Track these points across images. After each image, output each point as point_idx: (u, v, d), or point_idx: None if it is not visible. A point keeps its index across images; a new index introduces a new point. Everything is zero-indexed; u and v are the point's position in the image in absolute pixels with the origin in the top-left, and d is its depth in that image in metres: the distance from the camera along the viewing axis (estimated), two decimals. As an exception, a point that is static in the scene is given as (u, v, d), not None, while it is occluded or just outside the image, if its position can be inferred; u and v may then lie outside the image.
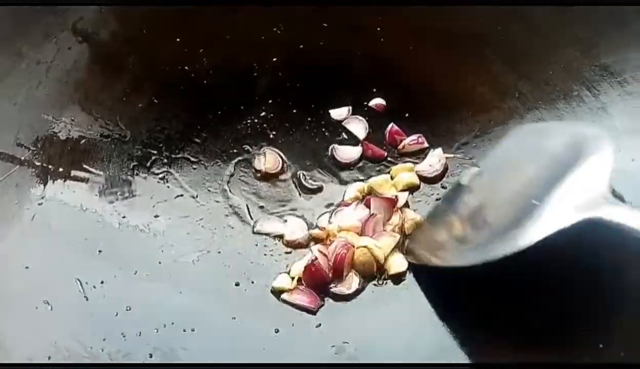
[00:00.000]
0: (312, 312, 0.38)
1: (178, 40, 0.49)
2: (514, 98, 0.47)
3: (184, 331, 0.37)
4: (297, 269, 0.40)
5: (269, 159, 0.46)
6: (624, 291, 0.32)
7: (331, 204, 0.44)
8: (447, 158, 0.45)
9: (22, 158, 0.42)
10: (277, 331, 0.38)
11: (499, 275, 0.31)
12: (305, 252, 0.41)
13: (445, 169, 0.44)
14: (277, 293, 0.39)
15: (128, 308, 0.38)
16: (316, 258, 0.40)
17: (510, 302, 0.34)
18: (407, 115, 0.47)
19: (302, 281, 0.40)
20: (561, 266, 0.32)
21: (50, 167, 0.43)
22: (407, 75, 0.49)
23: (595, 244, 0.30)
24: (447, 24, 0.50)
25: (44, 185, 0.42)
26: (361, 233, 0.41)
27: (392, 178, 0.44)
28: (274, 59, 0.50)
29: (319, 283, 0.39)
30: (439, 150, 0.45)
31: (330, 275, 0.39)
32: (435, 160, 0.45)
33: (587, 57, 0.47)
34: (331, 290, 0.39)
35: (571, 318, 0.32)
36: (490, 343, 0.34)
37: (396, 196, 0.43)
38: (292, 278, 0.40)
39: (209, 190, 0.45)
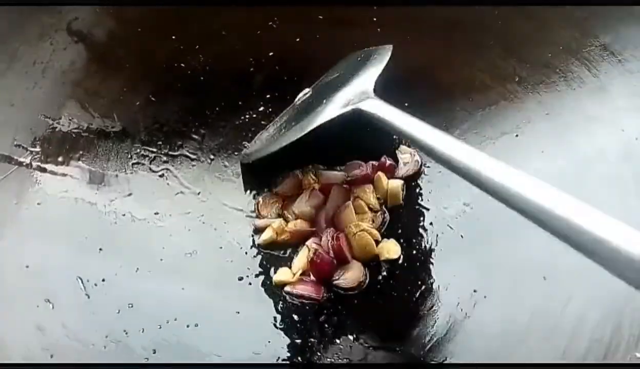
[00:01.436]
0: (317, 301, 0.38)
1: (174, 37, 0.49)
2: (514, 82, 0.47)
3: (187, 326, 0.37)
4: (299, 264, 0.40)
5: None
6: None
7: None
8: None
9: (20, 159, 0.42)
10: (281, 324, 0.38)
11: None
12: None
13: (420, 162, 0.44)
14: (280, 286, 0.39)
15: (130, 305, 0.37)
16: (316, 250, 0.39)
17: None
18: (406, 104, 0.47)
19: (307, 274, 0.39)
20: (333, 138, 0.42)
21: (48, 166, 0.42)
22: (405, 65, 0.49)
23: (358, 123, 0.39)
24: (443, 11, 0.50)
25: (43, 185, 0.41)
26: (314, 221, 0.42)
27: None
28: (271, 54, 0.50)
29: (327, 271, 0.39)
30: (404, 147, 0.45)
31: (335, 262, 0.39)
32: (407, 156, 0.45)
33: (587, 37, 0.47)
34: (335, 282, 0.39)
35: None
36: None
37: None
38: (294, 274, 0.39)
39: (208, 186, 0.44)
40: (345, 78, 0.42)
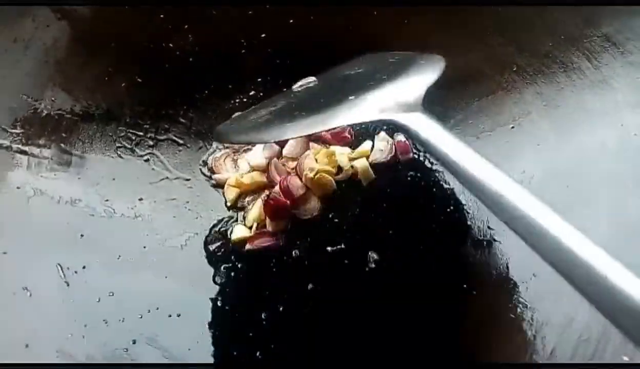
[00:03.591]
0: (277, 248, 0.39)
1: (162, 16, 0.47)
2: (512, 71, 0.45)
3: (169, 316, 0.36)
4: (252, 216, 0.41)
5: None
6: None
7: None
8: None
9: (0, 141, 0.41)
10: (264, 316, 0.37)
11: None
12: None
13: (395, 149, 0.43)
14: (239, 244, 0.40)
15: (111, 294, 0.37)
16: (269, 194, 0.40)
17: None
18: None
19: (263, 227, 0.40)
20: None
21: (29, 149, 0.41)
22: (401, 50, 0.47)
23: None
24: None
25: (23, 169, 0.40)
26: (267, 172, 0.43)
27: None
28: (263, 35, 0.48)
29: (281, 208, 0.40)
30: (383, 133, 0.44)
31: (288, 202, 0.40)
32: (383, 144, 0.44)
33: (589, 27, 0.45)
34: (295, 212, 0.40)
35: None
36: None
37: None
38: (250, 227, 0.40)
39: (195, 172, 0.43)
40: (380, 79, 0.35)
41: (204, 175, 0.43)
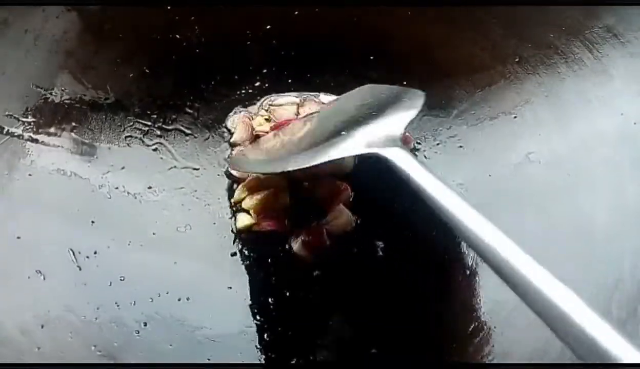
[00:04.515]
0: (283, 231, 0.40)
1: (169, 7, 0.48)
2: (515, 63, 0.46)
3: (179, 300, 0.37)
4: (250, 202, 0.41)
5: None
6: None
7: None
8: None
9: (12, 129, 0.41)
10: (272, 301, 0.38)
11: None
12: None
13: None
14: (245, 231, 0.40)
15: (122, 278, 0.37)
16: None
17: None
18: (405, 83, 0.46)
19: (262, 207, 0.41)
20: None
21: (40, 137, 0.42)
22: (405, 43, 0.48)
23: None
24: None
25: (35, 156, 0.41)
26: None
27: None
28: (268, 27, 0.49)
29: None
30: None
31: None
32: None
33: (590, 18, 0.46)
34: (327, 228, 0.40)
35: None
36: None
37: None
38: (249, 213, 0.41)
39: (202, 162, 0.44)
40: (368, 115, 0.39)
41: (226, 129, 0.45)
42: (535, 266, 0.26)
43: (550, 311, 0.24)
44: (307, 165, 0.36)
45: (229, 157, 0.44)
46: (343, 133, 0.37)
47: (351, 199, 0.42)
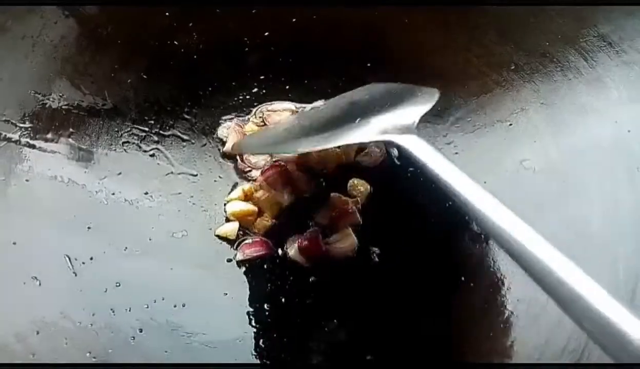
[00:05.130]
0: (271, 254, 0.40)
1: (167, 14, 0.48)
2: (510, 70, 0.46)
3: (175, 306, 0.37)
4: (233, 208, 0.42)
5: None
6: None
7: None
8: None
9: (9, 134, 0.41)
10: (268, 307, 0.38)
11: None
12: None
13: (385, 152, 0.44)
14: (224, 239, 0.41)
15: (118, 284, 0.37)
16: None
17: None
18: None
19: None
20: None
21: (37, 143, 0.42)
22: (401, 49, 0.48)
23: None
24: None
25: (32, 162, 0.41)
26: None
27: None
28: (266, 33, 0.49)
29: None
30: None
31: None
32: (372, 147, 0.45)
33: (585, 27, 0.46)
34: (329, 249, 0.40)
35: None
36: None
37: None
38: (230, 220, 0.41)
39: (199, 167, 0.44)
40: (382, 106, 0.39)
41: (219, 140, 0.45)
42: (554, 252, 0.26)
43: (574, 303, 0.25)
44: (320, 148, 0.37)
45: (235, 143, 0.44)
46: (357, 120, 0.38)
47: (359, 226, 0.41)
